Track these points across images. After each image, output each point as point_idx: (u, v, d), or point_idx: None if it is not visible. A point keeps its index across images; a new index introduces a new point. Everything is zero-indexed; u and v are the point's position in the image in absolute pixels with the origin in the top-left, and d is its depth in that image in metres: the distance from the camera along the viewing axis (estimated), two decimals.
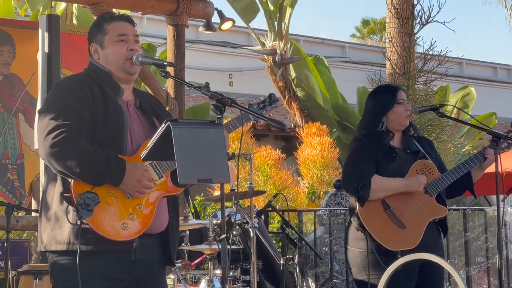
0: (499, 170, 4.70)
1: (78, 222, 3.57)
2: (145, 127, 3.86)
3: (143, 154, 3.59)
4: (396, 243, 4.82)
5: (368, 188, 4.82)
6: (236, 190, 6.13)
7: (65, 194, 3.66)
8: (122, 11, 8.36)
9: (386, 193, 4.86)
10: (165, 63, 3.75)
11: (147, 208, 3.73)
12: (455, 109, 11.19)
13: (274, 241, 8.21)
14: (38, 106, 7.16)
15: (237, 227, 6.86)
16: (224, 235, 3.56)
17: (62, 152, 3.58)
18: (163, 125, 3.46)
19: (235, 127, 3.98)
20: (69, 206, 3.62)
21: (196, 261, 6.74)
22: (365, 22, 35.77)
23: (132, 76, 3.91)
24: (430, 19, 9.15)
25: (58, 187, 3.71)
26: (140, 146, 3.76)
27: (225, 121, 3.91)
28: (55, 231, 3.72)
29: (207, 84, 3.67)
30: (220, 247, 3.40)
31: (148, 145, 3.57)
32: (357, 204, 4.86)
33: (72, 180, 3.62)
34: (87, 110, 3.69)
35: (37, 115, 3.82)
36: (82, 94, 3.72)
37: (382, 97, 5.10)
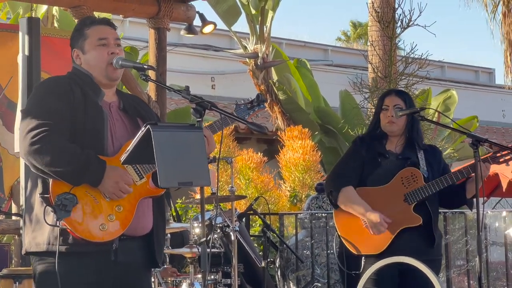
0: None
1: (57, 223, 3.57)
2: (128, 128, 3.86)
3: (123, 157, 3.60)
4: (362, 247, 4.88)
5: (336, 196, 4.94)
6: (216, 193, 6.14)
7: (44, 195, 3.66)
8: (103, 14, 8.36)
9: (348, 210, 4.93)
10: (145, 67, 3.76)
11: (126, 209, 3.71)
12: (436, 113, 11.23)
13: (255, 245, 8.21)
14: (19, 109, 7.12)
15: (218, 231, 6.86)
16: (204, 239, 3.56)
17: (41, 149, 3.59)
18: (142, 128, 3.47)
19: (220, 127, 3.98)
20: (47, 207, 3.62)
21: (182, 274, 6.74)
22: (353, 25, 35.94)
23: (114, 82, 3.92)
24: (411, 22, 9.19)
25: (38, 189, 3.72)
26: (122, 147, 3.75)
27: (209, 123, 3.92)
28: (36, 233, 3.73)
29: (187, 87, 3.68)
30: (200, 250, 3.42)
31: (128, 148, 3.57)
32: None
33: (51, 180, 3.63)
34: (67, 110, 3.70)
35: (18, 116, 3.84)
36: (62, 94, 3.74)
37: (377, 103, 5.21)
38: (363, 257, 4.82)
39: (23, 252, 3.84)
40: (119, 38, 3.97)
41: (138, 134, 3.50)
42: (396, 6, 9.40)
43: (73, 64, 3.94)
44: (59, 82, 3.85)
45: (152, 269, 5.76)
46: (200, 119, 3.55)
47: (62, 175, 3.60)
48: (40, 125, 3.62)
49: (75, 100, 3.73)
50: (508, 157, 4.99)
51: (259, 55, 13.48)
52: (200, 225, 6.53)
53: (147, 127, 3.42)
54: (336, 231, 4.98)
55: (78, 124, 3.70)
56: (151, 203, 3.87)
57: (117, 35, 3.95)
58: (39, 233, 3.70)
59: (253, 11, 13.39)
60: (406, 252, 4.74)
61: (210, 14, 14.75)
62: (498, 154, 4.98)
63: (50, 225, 3.62)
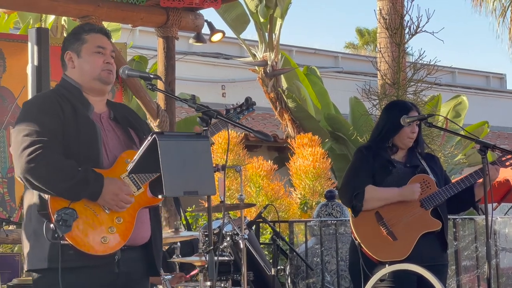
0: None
1: (58, 239, 3.54)
2: (120, 138, 3.85)
3: (129, 167, 3.59)
4: (386, 254, 4.87)
5: (362, 197, 4.89)
6: (223, 201, 6.16)
7: (42, 212, 3.62)
8: (112, 24, 8.39)
9: (380, 202, 4.91)
10: (151, 76, 3.75)
11: (126, 221, 3.71)
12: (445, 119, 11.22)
13: (266, 252, 8.20)
14: None
15: (228, 239, 6.86)
16: (211, 247, 3.56)
17: (38, 167, 3.57)
18: (149, 137, 3.46)
19: (212, 133, 3.99)
20: (47, 223, 3.58)
21: (191, 274, 6.73)
22: (359, 32, 35.93)
23: (107, 86, 3.89)
24: (419, 29, 9.19)
25: (36, 205, 3.68)
26: (116, 158, 3.75)
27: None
28: (36, 249, 3.69)
29: (193, 96, 3.69)
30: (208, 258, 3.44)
31: (135, 158, 3.56)
32: (351, 214, 4.93)
33: (49, 196, 3.60)
34: (59, 127, 3.68)
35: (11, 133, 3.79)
36: (52, 111, 3.71)
37: (395, 115, 5.05)
38: (387, 264, 4.81)
39: (25, 269, 3.81)
40: (114, 50, 3.96)
41: (144, 143, 3.50)
42: (404, 12, 9.40)
43: (63, 75, 3.90)
44: (46, 99, 3.81)
45: (161, 278, 5.81)
46: (206, 128, 3.57)
47: (60, 192, 3.58)
48: (34, 142, 3.59)
49: (65, 116, 3.71)
50: None
51: (268, 63, 13.50)
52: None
53: (154, 136, 3.43)
54: (356, 240, 4.94)
55: (72, 140, 3.68)
56: (148, 212, 3.86)
57: (113, 48, 3.95)
58: (39, 250, 3.67)
59: (262, 19, 13.41)
60: (426, 257, 4.81)
61: (219, 22, 14.83)
62: (504, 158, 4.99)
63: (51, 241, 3.56)
